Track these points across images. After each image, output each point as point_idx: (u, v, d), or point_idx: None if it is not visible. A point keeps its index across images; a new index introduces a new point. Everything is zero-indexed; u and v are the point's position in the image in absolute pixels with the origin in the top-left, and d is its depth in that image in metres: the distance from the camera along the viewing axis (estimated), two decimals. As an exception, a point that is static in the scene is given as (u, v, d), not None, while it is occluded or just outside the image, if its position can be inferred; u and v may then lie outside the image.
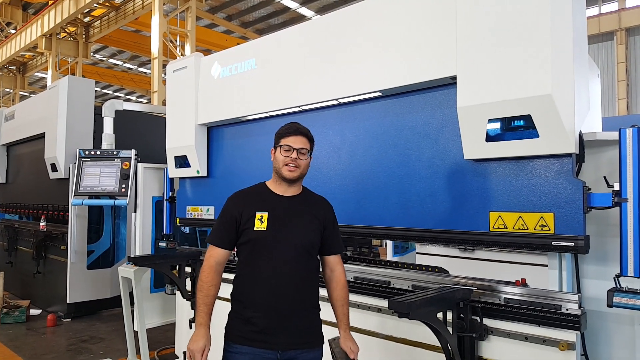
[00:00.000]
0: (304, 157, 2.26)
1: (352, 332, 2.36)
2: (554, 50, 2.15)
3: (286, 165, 2.22)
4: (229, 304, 2.32)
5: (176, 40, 12.92)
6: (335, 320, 2.37)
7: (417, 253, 5.88)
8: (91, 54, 20.50)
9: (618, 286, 2.14)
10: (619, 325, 2.37)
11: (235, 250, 2.33)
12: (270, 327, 2.15)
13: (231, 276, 2.34)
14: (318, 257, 2.37)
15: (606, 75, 16.43)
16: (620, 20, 16.27)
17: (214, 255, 2.26)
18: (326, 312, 2.38)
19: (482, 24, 2.34)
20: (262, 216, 2.22)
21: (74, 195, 4.84)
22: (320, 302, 2.36)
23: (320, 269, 2.40)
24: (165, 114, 4.48)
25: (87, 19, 18.87)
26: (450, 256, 5.61)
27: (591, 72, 3.33)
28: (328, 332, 2.41)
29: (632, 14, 16.29)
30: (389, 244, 6.12)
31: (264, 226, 2.20)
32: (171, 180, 4.63)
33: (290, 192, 2.31)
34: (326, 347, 2.32)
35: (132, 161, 4.84)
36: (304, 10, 17.89)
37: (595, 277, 2.45)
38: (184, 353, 4.30)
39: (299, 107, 3.31)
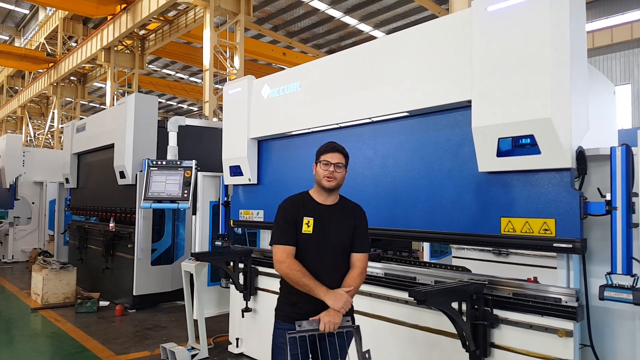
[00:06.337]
0: (340, 170, 2.68)
1: (384, 322, 2.69)
2: (553, 78, 2.52)
3: (325, 177, 2.65)
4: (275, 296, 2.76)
5: (226, 52, 13.67)
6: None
7: (453, 257, 6.14)
8: (146, 65, 21.76)
9: (609, 282, 2.48)
10: (622, 320, 2.65)
11: None
12: (312, 310, 2.58)
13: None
14: None
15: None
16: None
17: (282, 249, 2.58)
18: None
19: (492, 55, 2.74)
20: (309, 221, 2.63)
21: (143, 200, 5.50)
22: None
23: None
24: (221, 128, 5.09)
25: (142, 32, 20.08)
26: (485, 260, 5.77)
27: (605, 91, 3.61)
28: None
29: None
30: (426, 247, 6.41)
31: (310, 230, 2.62)
32: (226, 187, 5.23)
33: (330, 200, 2.72)
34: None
35: (193, 170, 5.46)
36: (347, 19, 18.33)
37: (601, 277, 2.74)
38: (237, 339, 4.88)
39: (337, 124, 3.80)
